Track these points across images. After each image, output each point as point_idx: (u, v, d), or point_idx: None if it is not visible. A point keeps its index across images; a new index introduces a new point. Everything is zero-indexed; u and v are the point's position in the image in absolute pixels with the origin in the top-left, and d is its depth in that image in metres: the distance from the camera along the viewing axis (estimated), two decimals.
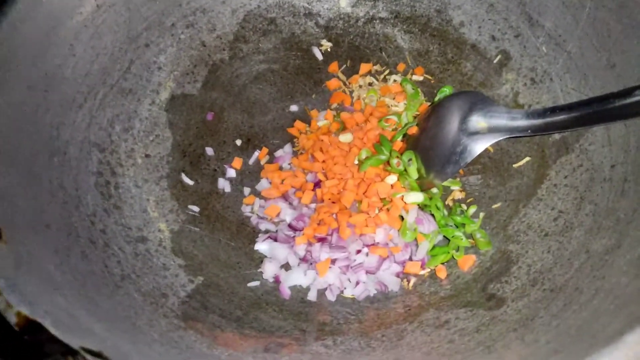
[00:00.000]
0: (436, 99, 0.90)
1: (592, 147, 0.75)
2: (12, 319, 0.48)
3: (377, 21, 1.00)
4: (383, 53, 0.99)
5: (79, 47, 0.82)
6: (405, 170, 0.81)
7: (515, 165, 0.82)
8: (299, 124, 0.93)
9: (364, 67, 0.98)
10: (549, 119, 0.70)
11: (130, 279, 0.67)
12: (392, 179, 0.80)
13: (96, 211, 0.73)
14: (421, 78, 0.96)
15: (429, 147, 0.80)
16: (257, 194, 0.87)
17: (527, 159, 0.82)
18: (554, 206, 0.74)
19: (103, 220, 0.73)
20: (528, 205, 0.77)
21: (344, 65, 0.98)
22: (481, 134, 0.75)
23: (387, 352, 0.63)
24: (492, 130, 0.75)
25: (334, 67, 0.97)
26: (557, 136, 0.80)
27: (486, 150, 0.84)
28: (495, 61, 0.91)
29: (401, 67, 0.97)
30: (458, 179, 0.84)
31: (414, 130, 0.86)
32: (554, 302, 0.60)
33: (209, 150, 0.90)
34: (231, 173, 0.89)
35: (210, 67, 0.96)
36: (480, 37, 0.93)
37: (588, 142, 0.75)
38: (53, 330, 0.47)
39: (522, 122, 0.73)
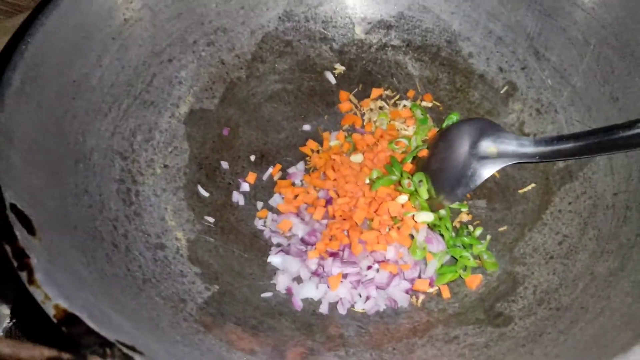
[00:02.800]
0: (444, 124, 0.94)
1: (595, 175, 0.79)
2: (51, 311, 0.49)
3: (389, 48, 1.04)
4: (394, 79, 1.03)
5: (106, 59, 0.85)
6: (416, 190, 0.84)
7: (520, 191, 0.86)
8: (311, 143, 0.96)
9: (375, 92, 1.02)
10: (556, 147, 0.74)
11: (151, 283, 0.69)
12: (403, 198, 0.84)
13: (118, 216, 0.75)
14: (430, 104, 1.00)
15: (439, 170, 0.83)
16: (270, 208, 0.89)
17: (533, 185, 0.86)
18: (559, 231, 0.78)
19: (124, 225, 0.75)
20: (533, 229, 0.81)
21: (356, 89, 1.02)
22: (490, 159, 0.79)
23: None
24: (501, 155, 0.78)
25: (345, 95, 1.01)
26: (561, 164, 0.84)
27: (492, 175, 0.87)
28: (502, 91, 0.95)
29: (411, 93, 1.01)
30: (465, 202, 0.87)
31: (424, 153, 0.89)
32: (560, 320, 0.63)
33: (224, 164, 0.93)
34: (245, 187, 0.91)
35: (227, 84, 0.99)
36: (488, 68, 0.98)
37: (591, 170, 0.79)
38: (90, 323, 0.48)
39: (531, 149, 0.76)
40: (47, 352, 0.41)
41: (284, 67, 1.03)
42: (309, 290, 0.79)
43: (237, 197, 0.90)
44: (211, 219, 0.86)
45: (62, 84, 0.77)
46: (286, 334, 0.71)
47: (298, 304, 0.78)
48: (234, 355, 0.63)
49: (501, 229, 0.84)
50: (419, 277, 0.80)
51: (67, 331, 0.48)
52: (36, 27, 0.75)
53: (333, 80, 1.03)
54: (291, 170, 0.93)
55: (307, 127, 0.99)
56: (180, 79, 0.95)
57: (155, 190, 0.84)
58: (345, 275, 0.79)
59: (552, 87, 0.90)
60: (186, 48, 0.96)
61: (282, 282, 0.80)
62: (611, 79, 0.82)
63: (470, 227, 0.85)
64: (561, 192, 0.82)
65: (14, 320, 0.79)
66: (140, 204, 0.80)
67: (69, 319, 0.49)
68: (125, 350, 0.47)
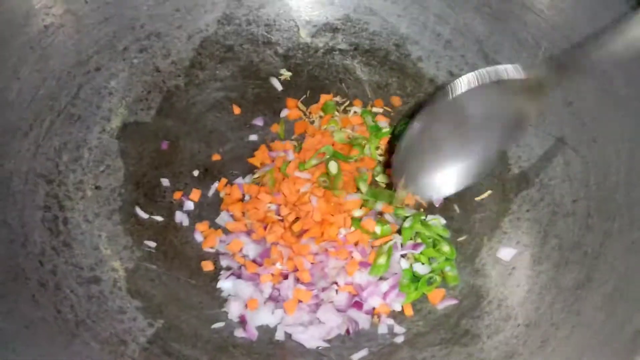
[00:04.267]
0: (396, 131, 0.90)
1: (552, 182, 0.77)
2: None
3: (337, 52, 1.00)
4: (343, 84, 0.98)
5: (24, 70, 0.76)
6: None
7: (477, 199, 0.84)
8: (261, 151, 0.90)
9: (324, 98, 0.97)
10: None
11: (86, 325, 0.61)
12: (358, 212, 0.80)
13: (45, 250, 0.67)
14: (381, 110, 0.96)
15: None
16: (216, 227, 0.83)
17: (489, 192, 0.84)
18: (519, 240, 0.76)
19: (52, 259, 0.67)
20: (493, 238, 0.79)
21: (304, 96, 0.97)
22: None
23: None
24: None
25: (292, 103, 0.95)
26: (516, 170, 0.83)
27: None
28: None
29: (358, 103, 0.96)
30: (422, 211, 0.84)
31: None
32: (530, 339, 0.61)
33: (165, 182, 0.85)
34: (189, 205, 0.84)
35: (164, 94, 0.92)
36: (438, 72, 0.95)
37: (548, 177, 0.78)
38: None
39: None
40: None
41: (226, 73, 0.97)
42: (265, 317, 0.74)
43: (181, 217, 0.83)
44: (152, 244, 0.78)
45: None
46: None
47: (253, 333, 0.72)
48: None
49: (460, 238, 0.81)
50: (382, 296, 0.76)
51: None
52: None
53: (279, 87, 0.97)
54: (238, 182, 0.87)
55: (253, 137, 0.92)
56: (110, 89, 0.86)
57: (87, 215, 0.76)
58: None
59: None
60: (116, 55, 0.88)
61: (234, 310, 0.74)
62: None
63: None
64: (518, 199, 0.80)
65: None
66: (69, 232, 0.72)
67: None
68: None
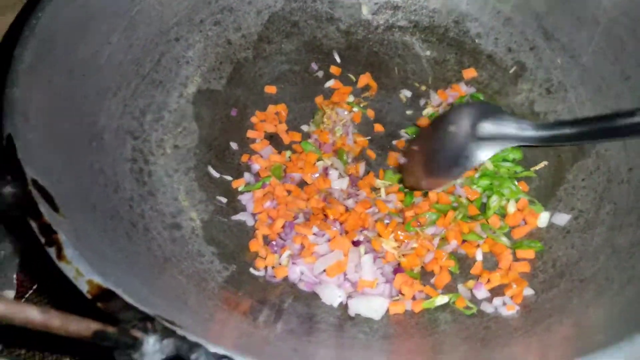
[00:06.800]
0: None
1: (608, 152, 0.79)
2: (84, 287, 0.48)
3: (397, 29, 1.04)
4: (400, 60, 1.02)
5: (114, 37, 0.83)
6: None
7: (532, 169, 0.87)
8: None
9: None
10: (556, 132, 0.73)
11: (172, 262, 0.68)
12: None
13: (133, 196, 0.74)
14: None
15: (436, 149, 0.83)
16: None
17: (545, 162, 0.86)
18: (574, 206, 0.79)
19: (140, 205, 0.73)
20: (547, 206, 0.81)
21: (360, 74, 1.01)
22: (489, 141, 0.78)
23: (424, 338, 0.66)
24: (500, 137, 0.77)
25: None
26: None
27: None
28: (511, 71, 0.96)
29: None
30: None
31: (423, 122, 0.90)
32: (585, 291, 0.64)
33: (234, 145, 0.91)
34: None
35: (235, 65, 0.98)
36: (497, 49, 0.98)
37: (604, 147, 0.80)
38: (127, 298, 0.47)
39: (530, 133, 0.75)
40: (94, 325, 0.40)
41: (291, 47, 1.02)
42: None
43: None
44: (223, 199, 0.85)
45: (71, 62, 0.75)
46: (312, 313, 0.70)
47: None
48: (262, 331, 0.62)
49: None
50: None
51: (103, 307, 0.47)
52: (45, 2, 0.72)
53: (339, 60, 1.02)
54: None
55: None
56: (187, 58, 0.93)
57: (167, 170, 0.82)
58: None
59: (561, 66, 0.90)
60: (193, 27, 0.94)
61: None
62: (622, 58, 0.82)
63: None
64: (574, 169, 0.83)
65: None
66: (153, 184, 0.78)
67: (104, 294, 0.47)
68: (166, 324, 0.46)
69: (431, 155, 0.82)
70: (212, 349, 0.45)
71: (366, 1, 1.04)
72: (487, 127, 0.76)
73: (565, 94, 0.89)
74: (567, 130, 0.72)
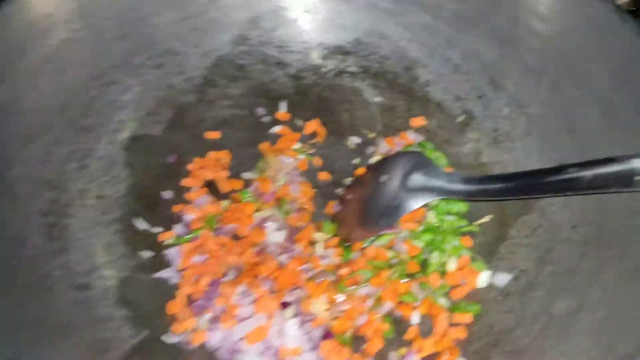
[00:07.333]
0: None
1: (552, 208, 0.76)
2: None
3: (347, 74, 1.01)
4: (349, 106, 0.99)
5: (41, 81, 0.79)
6: None
7: (476, 223, 0.83)
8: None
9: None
10: (483, 187, 0.73)
11: (71, 329, 0.63)
12: None
13: (39, 253, 0.69)
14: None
15: (368, 198, 0.81)
16: None
17: (490, 216, 0.82)
18: (515, 265, 0.74)
19: (48, 263, 0.69)
20: (489, 263, 0.77)
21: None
22: (419, 192, 0.77)
23: None
24: (429, 189, 0.76)
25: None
26: None
27: None
28: (459, 120, 0.93)
29: None
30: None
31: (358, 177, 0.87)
32: None
33: (167, 194, 0.87)
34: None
35: (176, 109, 0.95)
36: (446, 97, 0.95)
37: (548, 202, 0.77)
38: None
39: (459, 187, 0.74)
40: None
41: (237, 92, 0.99)
42: None
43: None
44: (148, 254, 0.80)
45: None
46: None
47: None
48: None
49: None
50: None
51: None
52: None
53: (285, 109, 0.98)
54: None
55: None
56: (122, 103, 0.90)
57: (86, 223, 0.78)
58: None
59: (508, 116, 0.88)
60: (130, 71, 0.91)
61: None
62: (567, 109, 0.80)
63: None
64: (518, 224, 0.79)
65: None
66: (66, 239, 0.74)
67: None
68: None
69: (362, 205, 0.79)
70: None
71: (316, 46, 1.02)
72: (418, 178, 0.76)
73: (512, 144, 0.86)
74: (494, 186, 0.71)
